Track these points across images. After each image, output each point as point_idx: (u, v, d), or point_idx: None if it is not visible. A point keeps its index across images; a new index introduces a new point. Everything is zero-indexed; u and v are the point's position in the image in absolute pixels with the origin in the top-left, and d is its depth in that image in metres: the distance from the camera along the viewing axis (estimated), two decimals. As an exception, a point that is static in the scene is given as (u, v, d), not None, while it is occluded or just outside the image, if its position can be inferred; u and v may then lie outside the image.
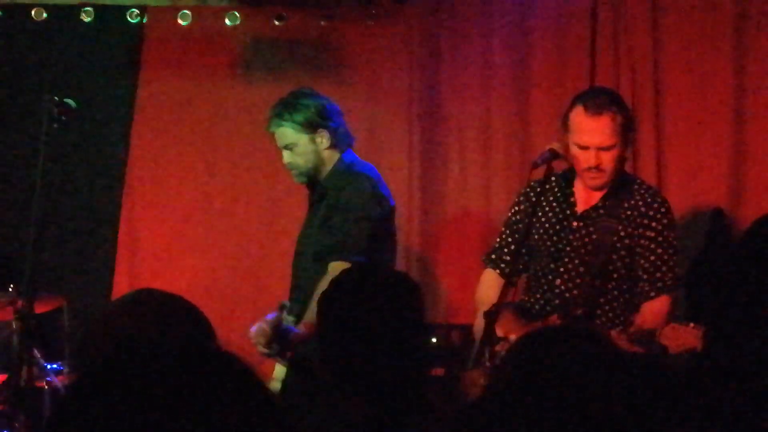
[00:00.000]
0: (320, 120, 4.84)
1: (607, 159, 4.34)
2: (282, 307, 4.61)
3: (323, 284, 4.54)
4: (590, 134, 4.31)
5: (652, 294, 4.35)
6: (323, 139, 4.85)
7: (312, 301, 4.48)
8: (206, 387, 1.29)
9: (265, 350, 4.55)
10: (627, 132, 4.37)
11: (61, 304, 5.54)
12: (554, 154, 4.34)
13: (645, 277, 4.36)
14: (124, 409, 1.26)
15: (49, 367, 5.33)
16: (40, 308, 5.04)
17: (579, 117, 4.33)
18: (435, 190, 6.06)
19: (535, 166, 4.40)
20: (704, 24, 5.71)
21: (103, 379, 1.31)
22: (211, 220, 6.18)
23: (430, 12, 6.07)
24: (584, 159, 4.34)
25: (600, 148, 4.32)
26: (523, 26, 5.95)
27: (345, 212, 4.74)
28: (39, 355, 5.15)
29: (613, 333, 4.13)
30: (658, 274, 4.35)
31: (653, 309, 4.34)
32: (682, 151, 5.73)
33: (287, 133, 4.85)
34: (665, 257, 4.36)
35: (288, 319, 4.58)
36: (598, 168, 4.34)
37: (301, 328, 4.55)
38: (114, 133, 6.30)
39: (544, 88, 5.91)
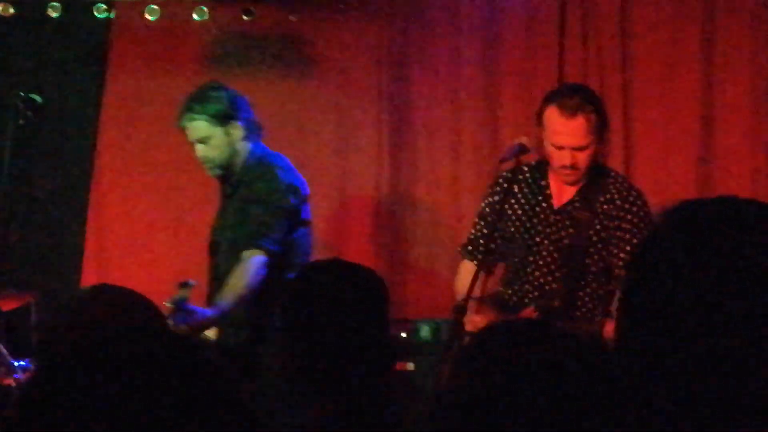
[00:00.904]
0: (232, 111, 4.85)
1: (582, 158, 4.36)
2: (183, 285, 4.56)
3: (237, 272, 4.66)
4: (565, 135, 4.33)
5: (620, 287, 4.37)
6: (236, 131, 4.86)
7: (225, 288, 4.60)
8: (162, 367, 1.30)
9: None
10: (601, 130, 4.39)
11: (29, 301, 5.50)
12: (523, 149, 4.35)
13: (621, 264, 4.39)
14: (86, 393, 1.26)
15: (17, 364, 5.30)
16: (7, 305, 5.01)
17: (553, 117, 4.34)
18: (404, 186, 6.06)
19: (504, 160, 4.41)
20: (672, 18, 5.74)
21: (63, 368, 1.32)
22: (180, 214, 6.16)
23: (399, 9, 6.07)
24: (559, 158, 4.37)
25: (574, 149, 4.34)
26: (491, 22, 5.96)
27: (258, 203, 4.77)
28: (6, 353, 5.12)
29: (611, 325, 4.15)
30: None
31: None
32: (649, 143, 5.77)
33: (200, 126, 4.85)
34: (635, 243, 4.39)
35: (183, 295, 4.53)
36: (573, 166, 4.37)
37: (209, 312, 4.57)
38: (81, 128, 6.27)
39: (513, 83, 5.93)
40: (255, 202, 4.79)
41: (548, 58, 5.87)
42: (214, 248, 5.02)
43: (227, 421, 1.27)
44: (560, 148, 4.35)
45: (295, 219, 4.85)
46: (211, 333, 4.89)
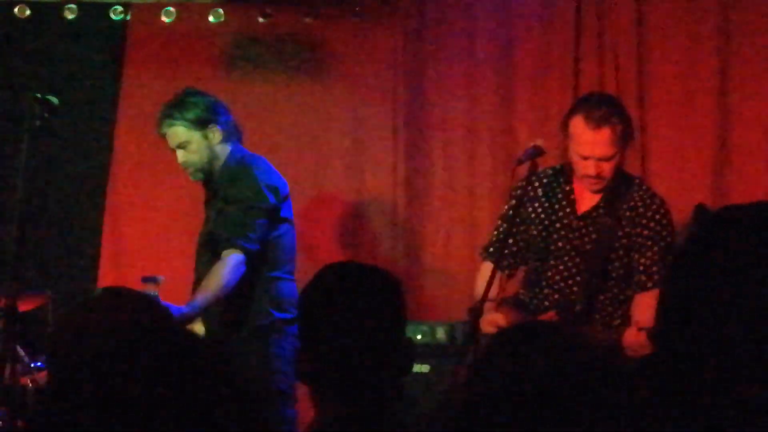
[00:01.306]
0: (210, 115, 4.98)
1: (607, 168, 4.39)
2: (149, 280, 4.72)
3: (214, 270, 4.78)
4: (591, 146, 4.35)
5: (649, 285, 4.38)
6: (215, 134, 4.99)
7: (201, 286, 4.75)
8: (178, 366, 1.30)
9: None
10: (626, 139, 4.41)
11: (46, 302, 5.52)
12: (538, 151, 4.35)
13: (641, 269, 4.41)
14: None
15: (33, 364, 5.31)
16: (24, 306, 5.03)
17: (579, 128, 4.35)
18: (419, 188, 6.06)
19: (520, 162, 4.41)
20: (689, 20, 5.73)
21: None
22: (195, 216, 6.15)
23: (414, 10, 6.07)
24: (584, 167, 4.39)
25: (600, 159, 4.35)
26: (507, 25, 5.96)
27: (235, 203, 4.89)
28: (23, 353, 5.14)
29: (631, 331, 4.15)
30: (654, 268, 4.40)
31: (649, 302, 4.36)
32: (665, 146, 5.75)
33: (179, 131, 4.98)
34: (662, 254, 4.41)
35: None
36: (598, 176, 4.38)
37: (182, 309, 4.65)
38: (97, 130, 6.29)
39: (529, 86, 5.92)
40: (232, 202, 4.90)
41: (563, 61, 5.86)
42: (199, 252, 5.12)
43: (241, 419, 1.28)
44: (586, 158, 4.37)
45: (274, 217, 4.95)
46: (197, 329, 4.95)
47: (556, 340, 1.83)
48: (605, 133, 4.32)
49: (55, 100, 4.53)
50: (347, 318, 2.52)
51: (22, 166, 4.46)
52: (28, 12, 5.94)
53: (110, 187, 6.24)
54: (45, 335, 5.46)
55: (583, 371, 1.79)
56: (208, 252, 4.98)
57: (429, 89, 6.06)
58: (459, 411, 1.82)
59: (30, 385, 5.24)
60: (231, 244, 4.81)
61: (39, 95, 4.51)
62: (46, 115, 4.51)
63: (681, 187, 5.64)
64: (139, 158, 6.23)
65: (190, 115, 4.96)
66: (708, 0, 5.72)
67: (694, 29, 5.71)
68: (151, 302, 2.47)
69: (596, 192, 4.48)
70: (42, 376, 5.28)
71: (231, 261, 4.79)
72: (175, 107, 5.00)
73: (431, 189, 6.06)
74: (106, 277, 6.15)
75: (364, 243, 6.11)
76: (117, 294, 2.48)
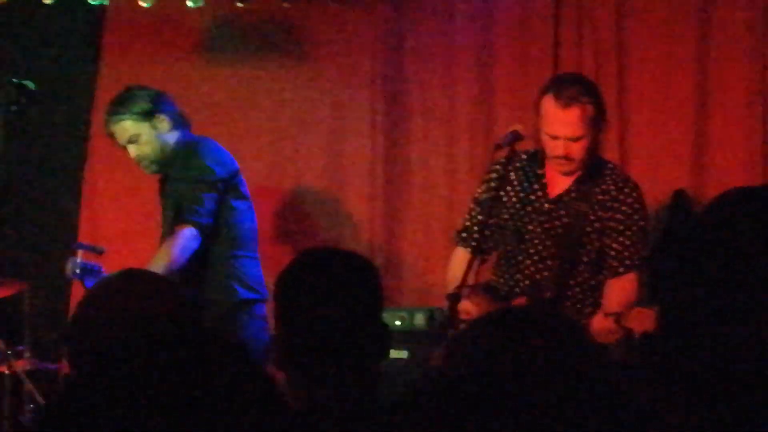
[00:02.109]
0: (155, 106, 5.04)
1: (576, 149, 4.35)
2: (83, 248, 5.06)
3: (164, 245, 4.88)
4: (559, 125, 4.31)
5: (621, 270, 4.36)
6: (163, 123, 5.05)
7: (152, 259, 4.84)
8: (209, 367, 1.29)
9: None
10: (598, 121, 4.37)
11: (22, 289, 5.49)
12: (517, 136, 4.33)
13: (613, 254, 4.39)
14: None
15: (9, 352, 5.28)
16: (0, 293, 5.00)
17: (549, 106, 4.33)
18: (398, 172, 6.05)
19: (498, 147, 4.40)
20: (669, 6, 5.72)
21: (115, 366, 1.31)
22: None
23: (394, -5, 6.06)
24: (553, 147, 4.35)
25: (569, 139, 4.32)
26: (486, 12, 5.94)
27: (181, 180, 4.97)
28: (-1, 341, 5.12)
29: (598, 317, 4.15)
30: (626, 253, 4.37)
31: (621, 286, 4.36)
32: (644, 131, 5.75)
33: (127, 126, 5.03)
34: (634, 238, 4.38)
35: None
36: (566, 157, 4.35)
37: None
38: (75, 115, 6.25)
39: (507, 70, 5.91)
40: (179, 180, 4.98)
41: (543, 43, 5.85)
42: (162, 231, 5.17)
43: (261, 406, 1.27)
44: (554, 137, 4.34)
45: (226, 191, 5.00)
46: None
47: (529, 326, 1.82)
48: (574, 112, 4.29)
49: (31, 84, 4.51)
50: (323, 303, 2.51)
51: (-3, 152, 4.43)
52: (5, -4, 5.89)
53: (87, 173, 6.21)
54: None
55: (558, 356, 1.77)
56: (166, 232, 5.03)
57: (408, 75, 6.05)
58: (431, 396, 1.80)
59: (7, 372, 5.22)
60: (182, 220, 4.87)
61: (15, 80, 4.48)
62: (22, 100, 4.48)
63: (660, 172, 5.64)
64: (116, 146, 6.18)
65: (136, 108, 5.01)
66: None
67: (673, 17, 5.70)
68: (170, 285, 2.46)
69: (566, 174, 4.45)
70: (19, 364, 5.26)
71: (181, 234, 4.85)
72: (119, 104, 5.05)
73: (410, 175, 6.05)
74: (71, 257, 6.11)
75: (343, 229, 6.10)
76: (135, 277, 2.47)
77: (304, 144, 6.14)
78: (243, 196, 5.08)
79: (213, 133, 6.01)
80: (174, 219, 4.91)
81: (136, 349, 1.33)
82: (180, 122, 5.11)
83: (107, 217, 6.19)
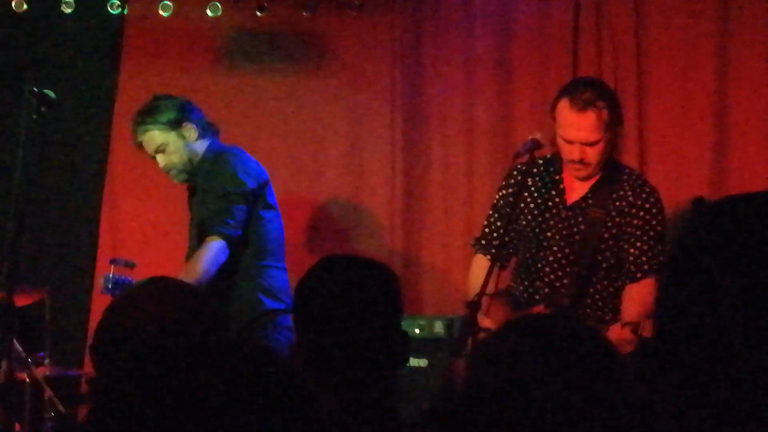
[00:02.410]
0: (182, 114, 5.04)
1: (592, 154, 4.33)
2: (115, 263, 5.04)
3: (194, 256, 4.85)
4: (575, 130, 4.30)
5: (639, 275, 4.34)
6: (190, 132, 5.04)
7: (182, 271, 4.80)
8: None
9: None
10: (614, 126, 4.35)
11: (43, 297, 5.51)
12: (536, 144, 4.33)
13: (631, 259, 4.36)
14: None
15: (30, 359, 5.30)
16: (21, 301, 5.02)
17: (564, 111, 4.31)
18: (418, 182, 6.05)
19: (518, 155, 4.40)
20: (687, 10, 5.70)
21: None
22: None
23: (413, 4, 6.06)
24: (569, 152, 4.34)
25: (584, 144, 4.31)
26: (505, 19, 5.94)
27: (213, 191, 4.94)
28: (20, 348, 5.13)
29: (616, 327, 4.12)
30: (644, 258, 4.35)
31: (639, 291, 4.33)
32: (664, 138, 5.73)
33: (155, 136, 5.04)
34: (651, 243, 4.36)
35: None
36: (582, 161, 4.34)
37: None
38: (95, 124, 6.28)
39: (527, 80, 5.90)
40: (210, 191, 4.96)
41: (562, 50, 5.84)
42: (189, 251, 5.14)
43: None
44: (570, 142, 4.33)
45: (256, 202, 4.98)
46: None
47: (548, 334, 1.82)
48: (590, 116, 4.28)
49: (51, 94, 4.52)
50: (343, 310, 2.51)
51: (18, 161, 4.44)
52: (25, 6, 5.92)
53: (108, 182, 6.23)
54: (52, 329, 5.49)
55: (580, 363, 1.77)
56: (197, 242, 5.00)
57: (427, 83, 6.05)
58: (456, 407, 1.81)
59: (27, 380, 5.23)
60: (211, 231, 4.86)
61: (36, 89, 4.50)
62: (43, 108, 4.49)
63: (679, 180, 5.63)
64: (137, 153, 6.19)
65: (163, 117, 5.02)
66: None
67: (692, 21, 5.69)
68: (196, 292, 2.48)
69: (582, 179, 4.43)
70: (39, 371, 5.28)
71: (211, 247, 4.84)
72: (145, 113, 5.06)
73: (429, 183, 6.05)
74: (104, 273, 6.12)
75: (361, 237, 6.10)
76: (162, 284, 2.48)
77: (323, 152, 6.15)
78: (271, 206, 5.07)
79: (232, 141, 6.05)
80: (203, 230, 4.91)
81: (163, 356, 1.34)
82: (208, 130, 5.11)
83: (128, 226, 6.21)
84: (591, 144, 4.31)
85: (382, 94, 6.08)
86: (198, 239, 4.96)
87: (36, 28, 6.15)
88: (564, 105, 4.31)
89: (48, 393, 5.25)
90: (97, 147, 6.26)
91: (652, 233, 4.36)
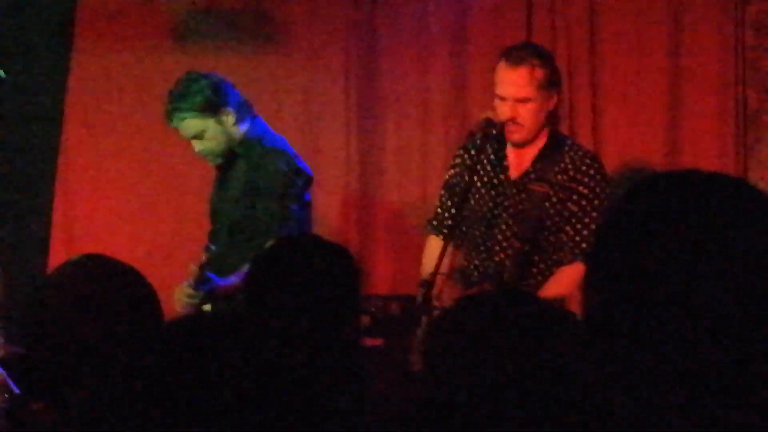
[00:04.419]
0: (219, 98, 4.78)
1: (524, 113, 4.32)
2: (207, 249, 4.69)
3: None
4: (507, 84, 4.31)
5: (565, 261, 4.34)
6: (228, 117, 4.79)
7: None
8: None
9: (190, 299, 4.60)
10: (549, 86, 4.34)
11: (-5, 279, 5.46)
12: (490, 123, 4.34)
13: (565, 239, 4.36)
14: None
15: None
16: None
17: (500, 69, 4.35)
18: (373, 161, 6.05)
19: (472, 135, 4.41)
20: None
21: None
22: (148, 192, 6.13)
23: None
24: (502, 111, 4.33)
25: (516, 100, 4.30)
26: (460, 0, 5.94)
27: (265, 193, 4.74)
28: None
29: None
30: (578, 238, 4.33)
31: (566, 272, 4.31)
32: (618, 115, 5.75)
33: (192, 123, 4.78)
34: (586, 220, 4.35)
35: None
36: (514, 121, 4.32)
37: (227, 280, 4.64)
38: (47, 104, 6.21)
39: (482, 60, 5.90)
40: (263, 193, 4.76)
41: (517, 28, 5.85)
42: (214, 219, 5.01)
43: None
44: (503, 99, 4.32)
45: (301, 202, 4.84)
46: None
47: (492, 312, 1.83)
48: (523, 71, 4.28)
49: (1, 73, 4.48)
50: (300, 290, 2.51)
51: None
52: (-25, -16, 5.85)
53: (61, 161, 6.18)
54: (5, 308, 5.43)
55: (531, 334, 1.79)
56: (226, 231, 4.89)
57: (382, 63, 6.04)
58: (421, 388, 1.82)
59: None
60: (272, 238, 4.71)
61: (-16, 68, 4.45)
62: (-7, 89, 4.45)
63: (634, 157, 5.65)
64: (91, 133, 6.17)
65: (199, 103, 4.75)
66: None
67: (645, 11, 5.70)
68: (131, 271, 2.46)
69: (516, 144, 4.40)
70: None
71: None
72: (181, 98, 4.79)
73: (384, 163, 6.06)
74: (57, 257, 6.08)
75: (316, 218, 6.08)
76: (95, 262, 2.46)
77: (278, 130, 6.13)
78: (307, 203, 4.92)
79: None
80: (264, 235, 4.63)
81: (93, 334, 1.32)
82: (245, 113, 4.86)
83: (82, 205, 6.17)
84: (523, 100, 4.30)
85: (336, 73, 6.06)
86: (235, 230, 4.83)
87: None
88: (501, 63, 4.34)
89: (1, 376, 5.20)
90: (50, 128, 6.20)
91: (589, 208, 4.34)
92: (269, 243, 4.49)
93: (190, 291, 4.59)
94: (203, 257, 4.64)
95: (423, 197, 5.94)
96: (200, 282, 4.59)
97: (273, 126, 6.08)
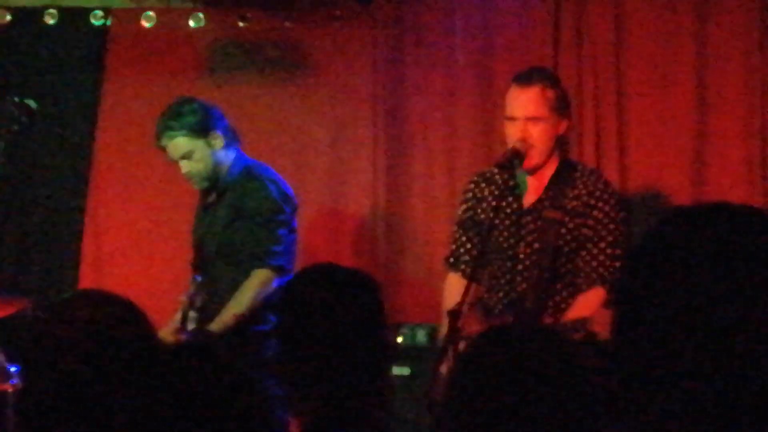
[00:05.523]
0: (209, 121, 4.92)
1: (535, 132, 4.30)
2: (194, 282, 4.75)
3: (246, 287, 4.74)
4: (518, 104, 4.31)
5: (584, 288, 4.31)
6: (217, 140, 4.93)
7: (228, 305, 4.71)
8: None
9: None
10: (559, 109, 4.33)
11: (25, 307, 5.49)
12: (516, 153, 4.34)
13: (581, 265, 4.33)
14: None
15: (13, 369, 5.28)
16: (2, 310, 5.00)
17: (510, 91, 4.36)
18: (400, 191, 6.06)
19: (498, 165, 4.40)
20: (666, 16, 5.70)
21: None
22: (177, 220, 6.16)
23: (394, 13, 6.07)
24: (512, 132, 4.33)
25: (527, 118, 4.29)
26: (486, 27, 5.95)
27: (255, 218, 4.83)
28: (3, 358, 5.11)
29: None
30: (594, 263, 4.30)
31: (586, 298, 4.28)
32: (644, 143, 5.72)
33: (181, 142, 4.91)
34: (602, 245, 4.32)
35: (191, 316, 4.68)
36: (525, 141, 4.30)
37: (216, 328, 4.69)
38: (78, 135, 6.27)
39: (508, 85, 5.90)
40: (253, 216, 4.85)
41: (543, 59, 5.84)
42: (200, 248, 5.07)
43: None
44: (512, 119, 4.32)
45: (289, 228, 4.92)
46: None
47: (523, 342, 1.85)
48: (532, 91, 4.28)
49: (33, 103, 4.53)
50: (324, 319, 2.52)
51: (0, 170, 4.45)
52: (8, 17, 5.92)
53: (91, 192, 6.23)
54: (19, 342, 5.46)
55: (554, 368, 1.80)
56: (214, 258, 4.94)
57: (409, 93, 6.06)
58: (446, 416, 1.83)
59: (9, 390, 5.21)
60: (261, 264, 4.78)
61: (17, 99, 4.50)
62: (24, 119, 4.49)
63: (661, 190, 5.64)
64: (121, 162, 6.22)
65: (190, 123, 4.90)
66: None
67: (671, 18, 5.68)
68: (128, 306, 2.46)
69: (528, 169, 4.38)
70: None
71: (261, 281, 4.77)
72: (172, 118, 4.93)
73: (412, 193, 6.06)
74: (87, 282, 6.13)
75: (344, 247, 6.11)
76: (91, 298, 2.46)
77: (305, 162, 6.15)
78: (294, 230, 4.99)
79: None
80: (251, 259, 4.80)
81: (91, 365, 1.34)
82: (233, 139, 5.00)
83: (111, 235, 6.21)
84: (534, 120, 4.28)
85: (364, 104, 6.09)
86: (227, 255, 4.89)
87: (19, 39, 6.14)
88: (511, 88, 4.36)
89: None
90: (81, 157, 6.25)
91: (604, 233, 4.30)
92: (260, 271, 4.69)
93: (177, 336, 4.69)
94: (190, 289, 4.70)
95: (450, 224, 5.87)
96: (186, 319, 4.68)
97: (301, 158, 6.12)
